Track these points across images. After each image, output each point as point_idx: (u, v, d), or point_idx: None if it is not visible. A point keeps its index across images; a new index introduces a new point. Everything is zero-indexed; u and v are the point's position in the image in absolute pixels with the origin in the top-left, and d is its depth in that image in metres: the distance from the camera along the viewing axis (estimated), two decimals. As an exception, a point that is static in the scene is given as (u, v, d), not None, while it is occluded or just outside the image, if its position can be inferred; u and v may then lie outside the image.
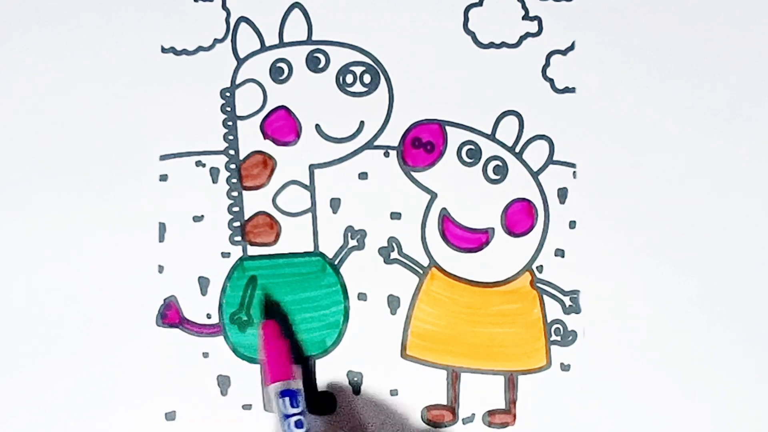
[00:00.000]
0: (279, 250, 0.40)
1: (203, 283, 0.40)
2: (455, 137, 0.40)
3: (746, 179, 0.40)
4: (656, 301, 0.40)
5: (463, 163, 0.40)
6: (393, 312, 0.40)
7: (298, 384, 0.37)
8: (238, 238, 0.40)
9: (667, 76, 0.40)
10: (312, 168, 0.40)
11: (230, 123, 0.40)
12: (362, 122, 0.40)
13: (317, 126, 0.40)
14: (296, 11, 0.41)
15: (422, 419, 0.40)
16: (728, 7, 0.41)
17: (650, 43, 0.40)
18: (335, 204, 0.40)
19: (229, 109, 0.40)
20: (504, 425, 0.40)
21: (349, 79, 0.40)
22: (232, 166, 0.40)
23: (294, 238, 0.40)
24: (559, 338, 0.40)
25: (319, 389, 0.40)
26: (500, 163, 0.40)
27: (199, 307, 0.40)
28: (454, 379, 0.40)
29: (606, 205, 0.40)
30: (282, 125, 0.41)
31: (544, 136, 0.40)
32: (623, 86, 0.40)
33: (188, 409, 0.40)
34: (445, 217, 0.40)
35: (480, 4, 0.41)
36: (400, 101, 0.40)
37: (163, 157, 0.40)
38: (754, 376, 0.40)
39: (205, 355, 0.40)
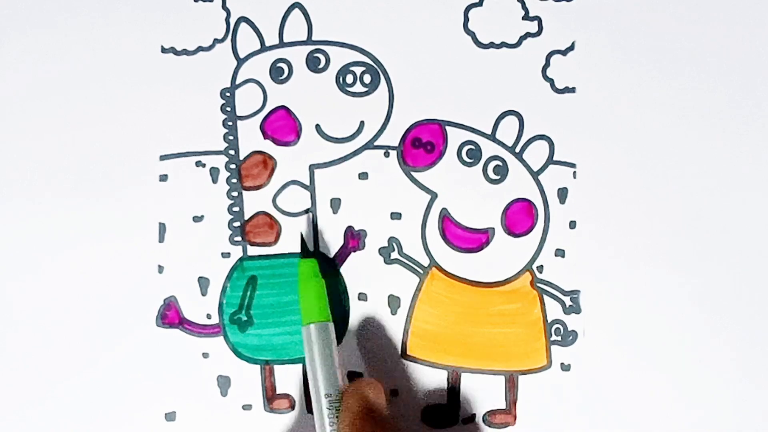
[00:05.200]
0: (279, 250, 0.40)
1: (203, 283, 0.40)
2: (455, 137, 0.40)
3: (746, 179, 0.40)
4: (656, 301, 0.40)
5: (464, 163, 0.40)
6: (393, 312, 0.40)
7: None
8: (238, 238, 0.40)
9: (667, 76, 0.40)
10: (312, 168, 0.40)
11: (230, 123, 0.40)
12: (362, 122, 0.40)
13: (317, 126, 0.40)
14: (296, 11, 0.41)
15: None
16: (728, 7, 0.41)
17: (650, 43, 0.40)
18: (335, 204, 0.40)
19: (229, 109, 0.40)
20: (504, 425, 0.40)
21: (349, 79, 0.40)
22: (232, 166, 0.40)
23: (294, 238, 0.40)
24: (559, 338, 0.40)
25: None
26: (500, 163, 0.40)
27: (199, 307, 0.40)
28: (454, 379, 0.40)
29: (606, 205, 0.40)
30: (282, 125, 0.41)
31: (544, 136, 0.40)
32: (623, 86, 0.40)
33: (188, 409, 0.40)
34: (445, 217, 0.40)
35: (480, 4, 0.41)
36: (400, 101, 0.40)
37: (163, 157, 0.40)
38: (754, 375, 0.40)
39: (205, 355, 0.40)
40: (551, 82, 0.40)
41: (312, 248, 0.40)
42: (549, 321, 0.40)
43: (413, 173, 0.40)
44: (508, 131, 0.40)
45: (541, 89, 0.40)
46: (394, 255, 0.40)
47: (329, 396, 0.35)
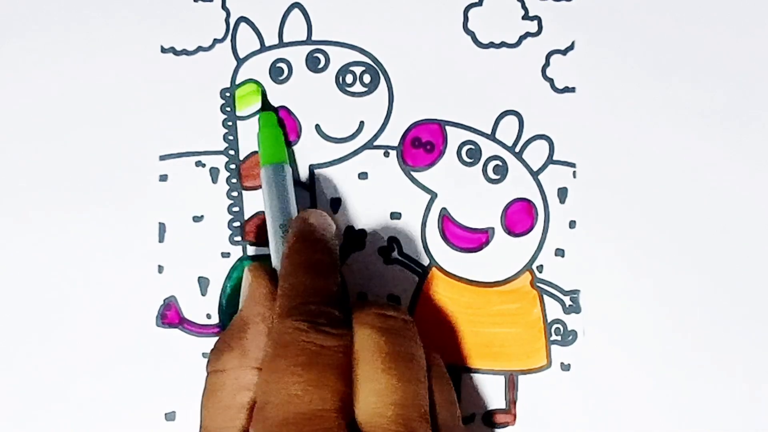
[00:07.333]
0: (279, 250, 0.40)
1: (203, 283, 0.40)
2: (455, 137, 0.40)
3: (747, 179, 0.40)
4: (656, 301, 0.40)
5: (463, 162, 0.40)
6: (393, 312, 0.40)
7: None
8: (238, 238, 0.40)
9: (667, 77, 0.40)
10: (312, 168, 0.40)
11: (230, 123, 0.40)
12: (362, 122, 0.40)
13: (317, 126, 0.40)
14: (296, 11, 0.41)
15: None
16: (728, 7, 0.41)
17: (650, 43, 0.40)
18: (335, 204, 0.40)
19: (229, 109, 0.40)
20: (504, 425, 0.40)
21: (349, 79, 0.40)
22: (232, 167, 0.40)
23: (294, 238, 0.40)
24: (559, 338, 0.40)
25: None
26: (500, 163, 0.40)
27: (199, 308, 0.40)
28: (454, 379, 0.40)
29: (606, 205, 0.40)
30: (282, 125, 0.41)
31: (544, 136, 0.40)
32: (623, 86, 0.40)
33: (188, 409, 0.40)
34: (445, 217, 0.40)
35: (480, 4, 0.41)
36: (400, 101, 0.40)
37: (163, 157, 0.40)
38: (755, 375, 0.40)
39: (205, 355, 0.40)
40: (551, 81, 0.40)
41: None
42: (549, 321, 0.40)
43: (413, 173, 0.40)
44: (507, 131, 0.40)
45: (541, 89, 0.40)
46: (394, 255, 0.40)
47: (283, 226, 0.37)
